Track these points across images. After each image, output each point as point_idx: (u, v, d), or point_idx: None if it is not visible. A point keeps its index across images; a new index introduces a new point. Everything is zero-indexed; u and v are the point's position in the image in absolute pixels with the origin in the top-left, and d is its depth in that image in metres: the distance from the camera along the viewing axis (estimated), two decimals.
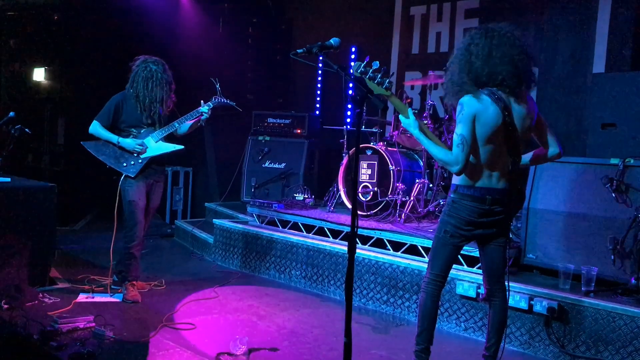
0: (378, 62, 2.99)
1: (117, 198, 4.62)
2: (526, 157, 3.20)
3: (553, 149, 3.18)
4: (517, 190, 3.11)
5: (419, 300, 3.26)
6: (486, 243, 3.22)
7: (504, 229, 3.19)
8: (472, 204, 3.04)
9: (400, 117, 3.18)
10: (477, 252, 4.32)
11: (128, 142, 4.60)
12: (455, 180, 3.12)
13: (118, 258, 4.77)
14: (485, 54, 2.93)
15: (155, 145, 4.67)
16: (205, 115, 4.70)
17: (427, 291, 3.21)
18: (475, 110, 2.91)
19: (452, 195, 3.14)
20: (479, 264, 4.37)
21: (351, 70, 3.04)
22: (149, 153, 4.65)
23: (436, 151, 3.03)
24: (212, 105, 4.74)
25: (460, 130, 2.92)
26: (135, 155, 4.62)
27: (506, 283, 3.76)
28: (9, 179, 4.83)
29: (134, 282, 4.70)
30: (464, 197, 3.06)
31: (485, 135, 2.93)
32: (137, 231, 4.64)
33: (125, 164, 4.60)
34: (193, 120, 4.74)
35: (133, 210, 4.62)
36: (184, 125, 4.76)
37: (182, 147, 4.77)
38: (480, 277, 4.21)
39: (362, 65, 3.00)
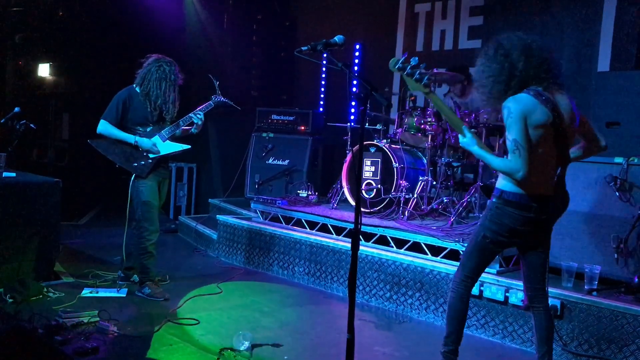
0: (417, 57, 2.94)
1: (129, 197, 4.61)
2: (575, 151, 3.15)
3: (601, 143, 3.15)
4: (562, 195, 3.01)
5: (448, 301, 3.19)
6: (527, 251, 3.12)
7: (546, 237, 3.11)
8: (516, 211, 2.93)
9: (460, 137, 3.11)
10: None
11: (145, 142, 4.58)
12: (500, 184, 3.01)
13: (126, 255, 4.79)
14: (524, 56, 2.90)
15: (164, 145, 4.66)
16: (197, 120, 4.66)
17: (457, 291, 3.15)
18: (524, 111, 2.81)
19: (495, 201, 3.01)
20: None
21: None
22: (160, 152, 4.64)
23: (497, 163, 2.93)
24: (205, 111, 4.72)
25: (512, 135, 2.80)
26: (145, 154, 4.61)
27: (509, 281, 3.75)
28: (14, 174, 4.85)
29: (156, 280, 4.73)
30: (508, 204, 2.94)
31: (537, 137, 2.84)
32: (153, 230, 4.65)
33: (135, 164, 4.58)
34: (186, 125, 4.74)
35: (149, 210, 4.62)
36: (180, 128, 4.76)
37: (189, 146, 4.76)
38: (483, 275, 4.23)
39: (401, 60, 2.92)
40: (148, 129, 4.64)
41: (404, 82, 7.19)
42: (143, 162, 4.60)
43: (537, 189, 2.91)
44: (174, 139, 4.74)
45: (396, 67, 2.94)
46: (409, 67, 2.94)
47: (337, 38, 2.85)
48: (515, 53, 2.91)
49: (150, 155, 4.62)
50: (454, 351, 3.17)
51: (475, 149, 3.02)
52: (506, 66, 2.91)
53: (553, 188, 2.94)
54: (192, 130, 4.76)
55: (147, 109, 4.62)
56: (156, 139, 4.64)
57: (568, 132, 2.93)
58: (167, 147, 4.68)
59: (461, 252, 4.47)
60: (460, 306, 3.14)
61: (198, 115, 4.68)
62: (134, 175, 4.59)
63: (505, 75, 2.92)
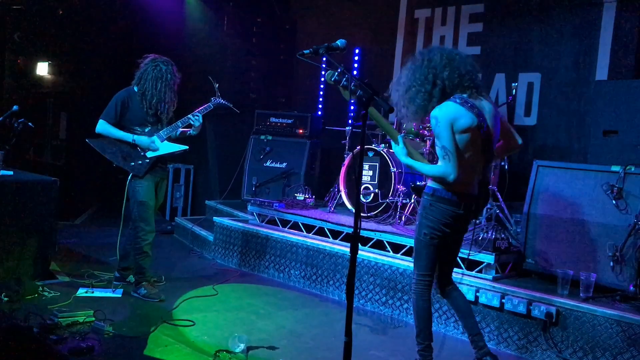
0: (354, 72, 3.01)
1: (125, 197, 4.61)
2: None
3: (517, 140, 3.37)
4: (485, 191, 3.28)
5: (412, 302, 3.36)
6: (450, 241, 3.34)
7: (468, 227, 3.44)
8: (448, 207, 3.15)
9: (392, 144, 3.31)
10: (477, 256, 4.38)
11: (143, 140, 4.58)
12: (432, 183, 3.21)
13: (122, 256, 4.78)
14: (446, 65, 3.09)
15: (162, 145, 4.66)
16: (195, 122, 4.64)
17: (417, 292, 3.31)
18: (450, 119, 3.02)
19: (427, 198, 3.22)
20: (478, 268, 4.40)
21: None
22: (156, 152, 4.64)
23: (428, 169, 3.18)
24: (204, 113, 4.72)
25: (441, 142, 3.05)
26: (142, 154, 4.61)
27: (505, 287, 3.80)
28: (11, 172, 4.84)
29: (151, 281, 4.72)
30: (440, 200, 3.16)
31: (465, 141, 3.05)
32: (149, 230, 4.65)
33: (132, 163, 4.58)
34: (184, 127, 4.73)
35: (145, 210, 4.62)
36: (178, 129, 4.74)
37: (187, 147, 4.76)
38: (479, 281, 4.26)
39: (336, 73, 3.02)
40: (146, 130, 4.64)
41: None
42: (140, 162, 4.59)
43: (465, 188, 3.14)
44: (173, 140, 4.73)
45: (332, 79, 3.05)
46: (344, 79, 3.06)
47: (339, 42, 2.87)
48: (439, 64, 3.10)
49: (148, 155, 4.62)
50: (427, 347, 3.30)
51: (404, 159, 3.24)
52: (430, 77, 3.10)
53: (479, 185, 3.19)
54: (191, 132, 4.76)
55: (144, 110, 4.62)
56: (154, 139, 4.64)
57: (492, 134, 3.14)
58: (165, 147, 4.68)
59: (457, 258, 4.47)
60: (422, 304, 3.30)
61: (196, 117, 4.67)
62: (130, 175, 4.59)
63: (428, 84, 3.10)
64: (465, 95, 3.09)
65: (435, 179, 3.15)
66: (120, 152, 4.58)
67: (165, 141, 4.68)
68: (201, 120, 4.69)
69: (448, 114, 3.02)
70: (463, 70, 3.11)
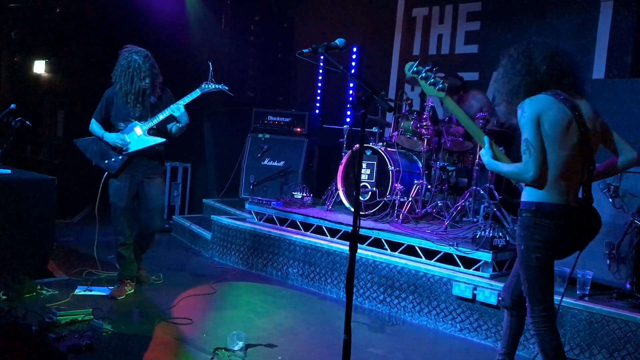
0: (431, 63, 2.96)
1: (98, 197, 4.54)
2: (599, 168, 2.93)
3: (628, 154, 2.91)
4: (592, 210, 2.84)
5: (539, 345, 2.87)
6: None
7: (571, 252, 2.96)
8: (555, 221, 2.75)
9: (481, 152, 2.99)
10: (474, 254, 4.39)
11: (110, 137, 4.45)
12: (534, 197, 2.78)
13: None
14: (544, 56, 2.85)
15: (137, 139, 4.45)
16: (176, 112, 4.40)
17: (540, 331, 2.85)
18: (538, 110, 2.72)
19: (529, 216, 2.79)
20: (476, 265, 4.42)
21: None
22: (130, 148, 4.46)
23: (506, 169, 2.85)
24: (187, 102, 4.45)
25: (525, 134, 2.71)
26: (117, 151, 4.47)
27: (502, 285, 3.80)
28: (9, 171, 4.84)
29: (126, 281, 4.62)
30: (545, 216, 2.75)
31: (556, 136, 2.70)
32: (119, 232, 4.57)
33: (107, 161, 4.46)
34: (166, 117, 4.48)
35: (114, 210, 4.54)
36: (167, 125, 4.59)
37: (165, 140, 4.55)
38: (477, 279, 4.27)
39: (415, 64, 2.93)
40: (129, 125, 4.50)
41: (400, 86, 7.23)
42: (114, 159, 4.46)
43: (562, 196, 2.74)
44: (166, 135, 4.60)
45: (411, 70, 2.95)
46: (423, 70, 2.96)
47: (339, 41, 2.87)
48: (539, 57, 2.84)
49: (122, 152, 4.47)
50: None
51: (486, 160, 2.93)
52: (531, 69, 2.83)
53: (580, 198, 2.80)
54: (178, 125, 4.52)
55: (126, 105, 4.47)
56: (131, 134, 4.46)
57: (591, 138, 2.78)
58: (139, 142, 4.46)
59: (455, 256, 4.50)
60: (549, 344, 2.82)
61: (176, 107, 4.42)
62: (106, 173, 4.51)
63: (529, 75, 2.83)
64: (559, 91, 2.78)
65: (515, 178, 2.82)
66: (100, 150, 4.48)
67: (144, 135, 4.45)
68: (182, 110, 4.42)
69: (536, 105, 2.72)
70: (566, 67, 2.84)
